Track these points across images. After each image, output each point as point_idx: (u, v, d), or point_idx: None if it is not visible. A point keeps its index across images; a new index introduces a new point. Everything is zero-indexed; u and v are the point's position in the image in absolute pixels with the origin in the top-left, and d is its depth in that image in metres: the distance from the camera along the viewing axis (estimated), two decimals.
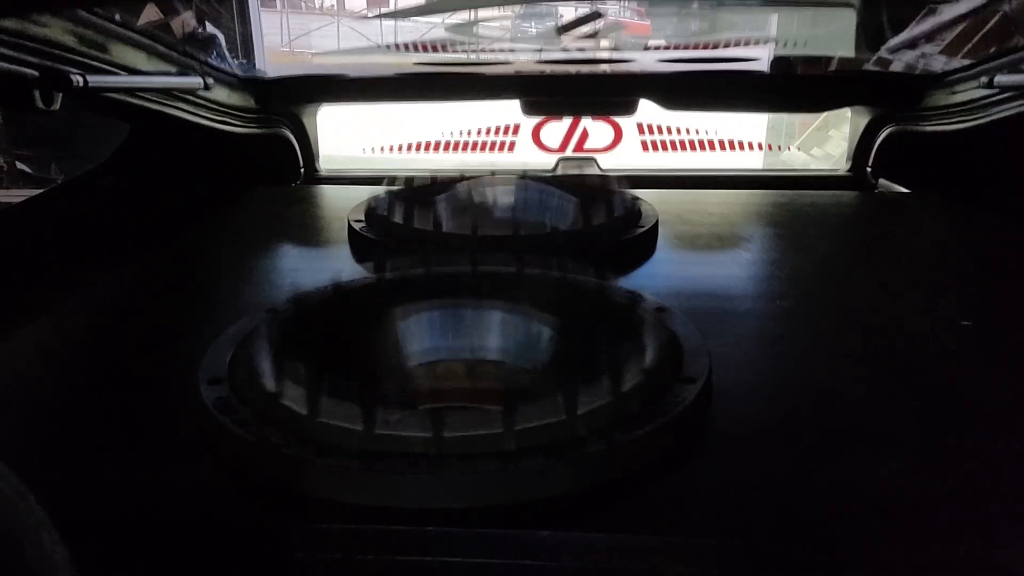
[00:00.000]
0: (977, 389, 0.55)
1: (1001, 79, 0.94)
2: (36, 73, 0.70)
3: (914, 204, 1.09)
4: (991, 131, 1.01)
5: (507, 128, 1.60)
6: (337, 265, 0.78)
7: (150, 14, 1.03)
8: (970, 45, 1.12)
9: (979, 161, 1.10)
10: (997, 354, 0.62)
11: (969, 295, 0.74)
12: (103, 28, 0.85)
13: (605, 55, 1.50)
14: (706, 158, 1.67)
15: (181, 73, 1.02)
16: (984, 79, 0.96)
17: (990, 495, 0.43)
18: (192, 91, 1.04)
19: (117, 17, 0.90)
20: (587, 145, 1.51)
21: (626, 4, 2.08)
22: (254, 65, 1.34)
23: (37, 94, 0.69)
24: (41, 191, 0.97)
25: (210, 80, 1.04)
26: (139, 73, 0.93)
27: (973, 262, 0.85)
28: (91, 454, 0.48)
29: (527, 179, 0.97)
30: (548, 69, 1.37)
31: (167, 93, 0.99)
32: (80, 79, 0.72)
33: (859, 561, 0.40)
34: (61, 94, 0.71)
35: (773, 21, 1.58)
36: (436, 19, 1.64)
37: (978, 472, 0.46)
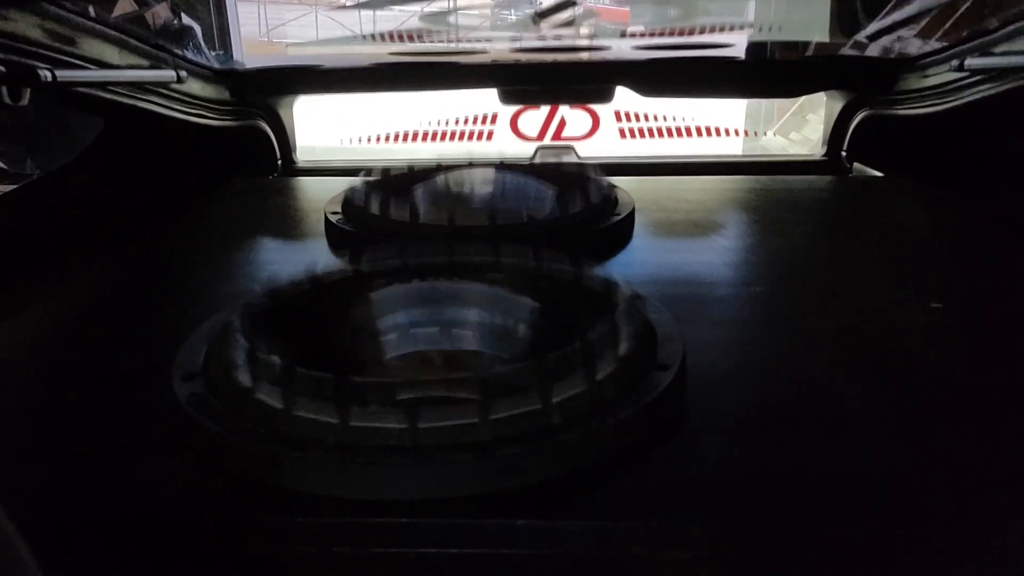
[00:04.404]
0: (950, 370, 0.56)
1: (971, 62, 0.95)
2: (2, 68, 0.69)
3: (887, 188, 1.10)
4: (962, 114, 1.02)
5: (485, 117, 1.60)
6: (314, 258, 0.78)
7: (124, 6, 1.02)
8: (944, 28, 1.12)
9: (950, 144, 1.11)
10: (968, 335, 0.63)
11: (941, 277, 0.75)
12: (72, 22, 0.84)
13: (583, 43, 1.49)
14: (685, 145, 1.67)
15: (154, 66, 1.01)
16: (955, 62, 0.97)
17: (966, 476, 0.44)
18: (166, 84, 1.03)
19: (90, 10, 0.89)
20: (565, 133, 1.51)
21: None
22: (231, 56, 1.33)
23: (4, 90, 0.68)
24: (15, 186, 0.96)
25: (183, 73, 1.03)
26: (110, 67, 0.92)
27: (944, 244, 0.86)
28: (65, 453, 0.48)
29: (504, 168, 0.97)
30: (525, 58, 1.37)
31: (140, 87, 0.98)
32: (48, 74, 0.71)
33: (841, 542, 0.40)
34: (29, 89, 0.70)
35: (750, 7, 1.58)
36: (414, 7, 1.63)
37: (954, 453, 0.46)
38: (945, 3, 1.12)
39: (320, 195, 0.95)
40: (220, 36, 1.30)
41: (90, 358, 0.61)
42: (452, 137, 1.64)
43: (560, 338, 0.57)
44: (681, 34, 1.46)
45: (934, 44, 1.13)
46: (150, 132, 1.08)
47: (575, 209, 0.81)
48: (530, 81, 1.31)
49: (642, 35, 1.49)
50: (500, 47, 1.47)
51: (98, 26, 0.90)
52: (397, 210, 0.80)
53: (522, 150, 1.42)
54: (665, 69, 1.28)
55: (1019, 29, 0.92)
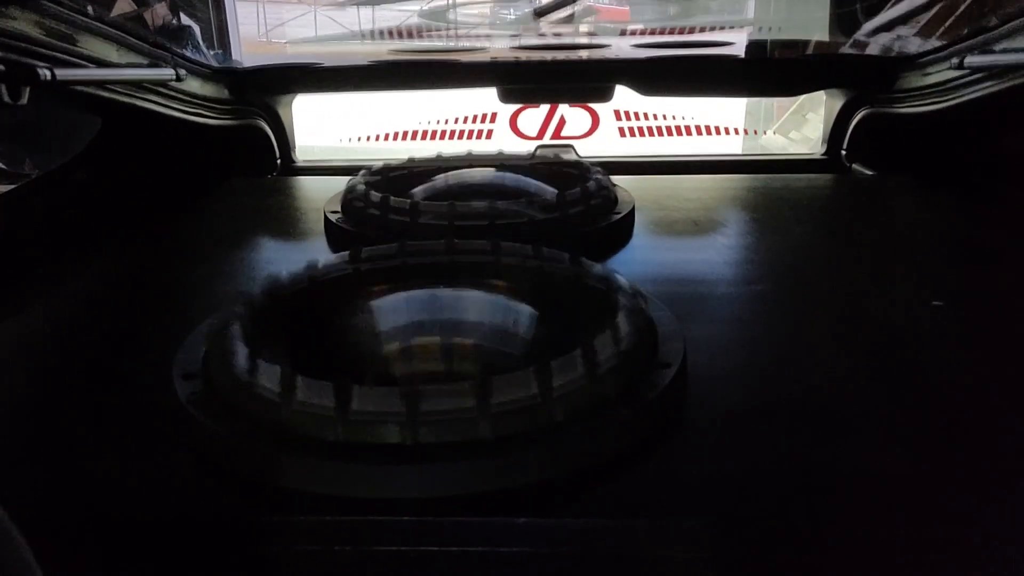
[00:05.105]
0: (950, 369, 0.56)
1: (971, 60, 0.95)
2: (1, 67, 0.68)
3: (887, 186, 1.10)
4: (962, 112, 1.02)
5: (485, 116, 1.60)
6: (313, 256, 0.78)
7: (123, 5, 1.01)
8: (944, 26, 1.12)
9: (951, 142, 1.11)
10: (969, 334, 0.63)
11: (941, 276, 0.75)
12: (71, 20, 0.84)
13: (582, 40, 1.50)
14: (684, 144, 1.67)
15: (153, 65, 1.01)
16: (955, 60, 0.96)
17: (968, 474, 0.44)
18: (165, 83, 1.02)
19: (89, 9, 0.89)
20: (565, 132, 1.51)
21: None
22: (230, 55, 1.33)
23: (3, 88, 0.68)
24: (14, 186, 0.95)
25: (183, 72, 1.02)
26: (109, 66, 0.92)
27: (945, 243, 0.86)
28: (66, 452, 0.48)
29: (504, 165, 0.97)
30: (524, 56, 1.37)
31: (139, 86, 0.98)
32: (47, 72, 0.71)
33: (841, 542, 0.40)
34: (28, 88, 0.70)
35: (750, 6, 1.58)
36: (414, 6, 1.63)
37: (954, 451, 0.46)
38: (945, 1, 1.12)
39: (319, 194, 0.95)
40: (219, 35, 1.30)
41: (90, 357, 0.61)
42: (452, 136, 1.64)
43: (561, 336, 0.57)
44: (681, 32, 1.46)
45: (934, 42, 1.13)
46: (149, 131, 1.08)
47: (575, 207, 0.81)
48: (529, 80, 1.31)
49: (642, 33, 1.49)
50: (500, 45, 1.47)
51: (97, 24, 0.89)
52: (397, 208, 0.80)
53: (522, 149, 1.42)
54: (665, 68, 1.28)
55: (1019, 27, 0.92)
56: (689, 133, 1.64)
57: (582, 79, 1.31)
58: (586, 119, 1.51)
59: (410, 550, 0.40)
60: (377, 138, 1.72)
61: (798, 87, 1.39)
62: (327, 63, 1.30)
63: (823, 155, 1.31)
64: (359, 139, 1.73)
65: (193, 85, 1.11)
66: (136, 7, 1.05)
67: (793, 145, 2.05)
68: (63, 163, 1.00)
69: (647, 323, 0.53)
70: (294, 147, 1.34)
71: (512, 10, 1.69)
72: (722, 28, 1.50)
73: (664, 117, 1.62)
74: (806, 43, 1.38)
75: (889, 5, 1.23)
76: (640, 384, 0.48)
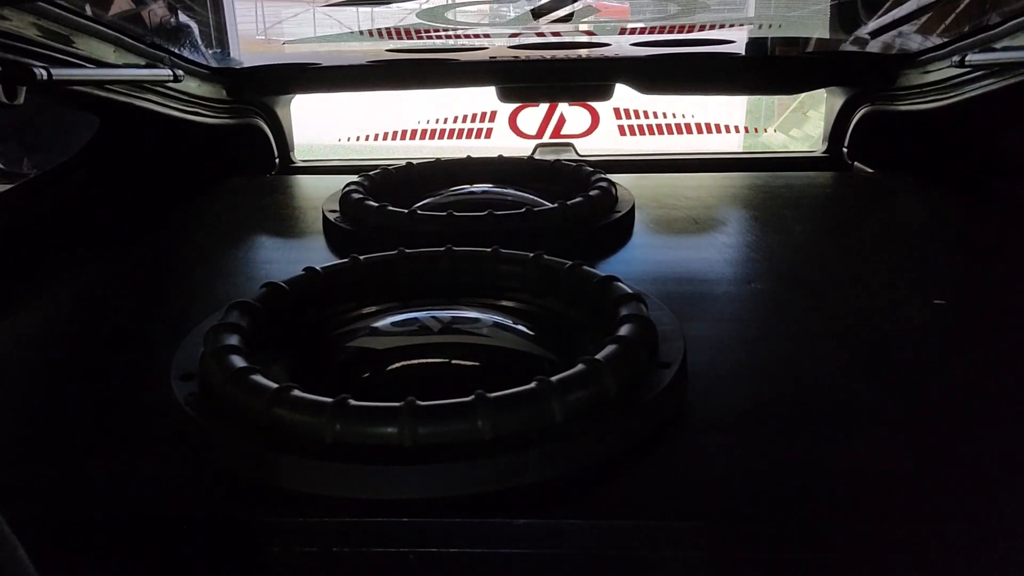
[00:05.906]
0: (952, 368, 0.56)
1: (972, 58, 0.94)
2: None
3: (889, 184, 1.10)
4: (963, 110, 1.01)
5: (484, 115, 1.60)
6: (312, 256, 0.77)
7: (121, 4, 1.01)
8: (945, 24, 1.12)
9: (952, 140, 1.10)
10: (970, 333, 0.62)
11: (942, 274, 0.75)
12: (68, 20, 0.84)
13: (582, 39, 1.49)
14: (684, 142, 1.67)
15: (150, 65, 1.01)
16: (956, 58, 0.96)
17: (966, 473, 0.44)
18: (162, 83, 1.02)
19: (87, 9, 0.88)
20: (564, 131, 1.51)
21: None
22: (228, 54, 1.32)
23: (0, 88, 0.68)
24: (13, 185, 0.95)
25: (180, 72, 1.02)
26: (107, 65, 0.92)
27: (946, 241, 0.86)
28: (65, 451, 0.48)
29: (503, 165, 0.97)
30: (524, 55, 1.37)
31: (137, 85, 0.98)
32: (44, 72, 0.70)
33: (842, 542, 0.40)
34: (24, 87, 0.70)
35: (750, 3, 1.57)
36: (412, 5, 1.62)
37: (954, 450, 0.46)
38: None
39: (318, 193, 0.95)
40: (217, 34, 1.30)
41: (89, 356, 0.61)
42: (451, 135, 1.64)
43: (560, 337, 0.57)
44: (681, 30, 1.46)
45: (935, 40, 1.12)
46: (148, 130, 1.08)
47: (575, 207, 0.80)
48: (529, 78, 1.31)
49: (642, 31, 1.48)
50: (499, 43, 1.47)
51: (95, 24, 0.89)
52: (395, 207, 0.80)
53: (521, 148, 1.42)
54: (665, 66, 1.28)
55: (1020, 24, 0.92)
56: (689, 131, 1.65)
57: (582, 77, 1.31)
58: (586, 117, 1.51)
59: (409, 551, 0.40)
60: (376, 137, 1.72)
61: (799, 85, 1.39)
62: (325, 62, 1.30)
63: (824, 153, 1.30)
64: (358, 138, 1.73)
65: (191, 84, 1.10)
66: (134, 6, 1.04)
67: (794, 143, 2.05)
68: (62, 162, 1.00)
69: (647, 323, 0.53)
70: (292, 146, 1.34)
71: (511, 7, 1.69)
72: (722, 26, 1.50)
73: (664, 115, 1.62)
74: (807, 41, 1.38)
75: (890, 3, 1.23)
76: (640, 384, 0.48)
